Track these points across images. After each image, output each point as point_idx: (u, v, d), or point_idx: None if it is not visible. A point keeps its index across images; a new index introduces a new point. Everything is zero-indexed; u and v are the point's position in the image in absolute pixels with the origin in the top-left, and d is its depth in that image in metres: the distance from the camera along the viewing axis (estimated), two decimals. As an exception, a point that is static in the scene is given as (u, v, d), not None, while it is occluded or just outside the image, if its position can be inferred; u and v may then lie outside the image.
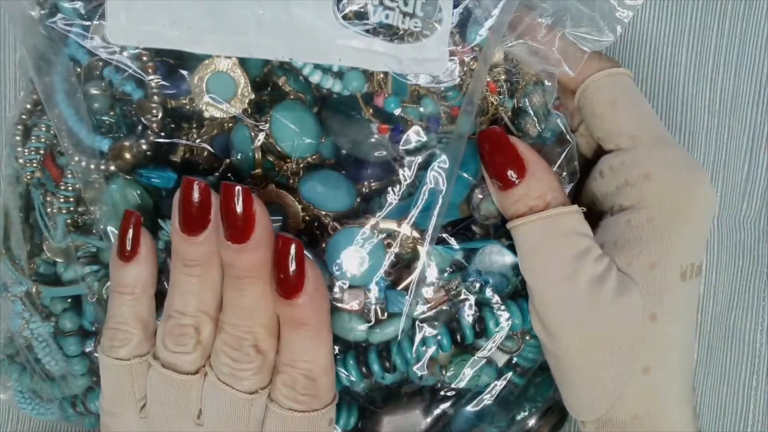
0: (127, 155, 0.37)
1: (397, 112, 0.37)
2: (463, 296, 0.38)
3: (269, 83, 0.38)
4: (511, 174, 0.36)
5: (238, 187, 0.33)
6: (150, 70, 0.37)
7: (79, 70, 0.37)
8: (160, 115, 0.37)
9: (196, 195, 0.33)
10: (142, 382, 0.36)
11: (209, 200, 0.34)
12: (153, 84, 0.37)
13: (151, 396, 0.36)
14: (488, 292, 0.38)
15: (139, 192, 0.38)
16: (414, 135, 0.37)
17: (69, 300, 0.40)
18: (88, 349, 0.40)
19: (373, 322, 0.37)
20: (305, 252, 0.34)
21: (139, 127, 0.37)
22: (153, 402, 0.36)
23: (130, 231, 0.35)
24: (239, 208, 0.33)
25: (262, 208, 0.33)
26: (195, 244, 0.34)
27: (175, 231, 0.34)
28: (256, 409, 0.35)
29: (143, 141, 0.37)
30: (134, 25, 0.35)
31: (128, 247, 0.35)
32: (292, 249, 0.33)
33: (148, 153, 0.38)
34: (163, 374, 0.35)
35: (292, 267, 0.33)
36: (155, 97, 0.37)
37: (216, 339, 0.35)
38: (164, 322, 0.35)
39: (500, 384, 0.40)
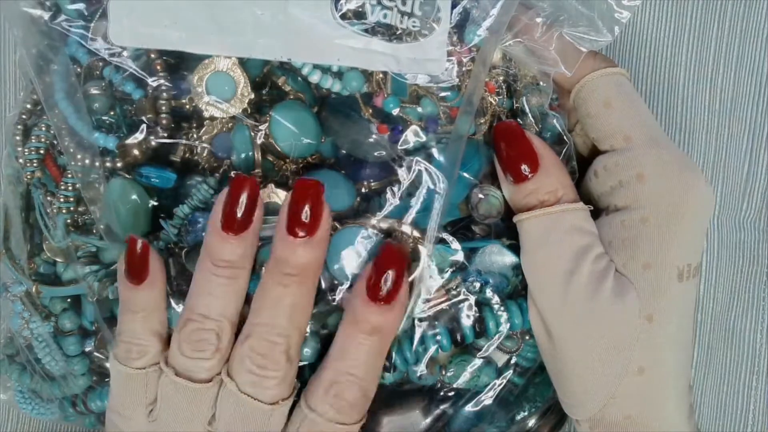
0: (136, 152, 0.37)
1: (396, 112, 0.37)
2: (463, 296, 0.38)
3: (269, 83, 0.38)
4: (525, 168, 0.36)
5: (310, 185, 0.33)
6: (158, 68, 0.37)
7: (79, 70, 0.37)
8: (167, 111, 0.37)
9: (245, 192, 0.34)
10: (153, 388, 0.36)
11: (257, 200, 0.34)
12: (161, 81, 0.37)
13: (163, 402, 0.36)
14: (488, 292, 0.38)
15: (138, 192, 0.38)
16: (413, 135, 0.37)
17: (68, 300, 0.40)
18: (87, 349, 0.40)
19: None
20: None
21: (144, 126, 0.37)
22: (164, 408, 0.36)
23: (137, 257, 0.35)
24: (309, 203, 0.33)
25: (328, 211, 0.34)
26: (232, 243, 0.34)
27: (212, 229, 0.34)
28: (275, 419, 0.35)
29: (152, 138, 0.37)
30: (136, 27, 0.35)
31: (138, 273, 0.35)
32: (396, 256, 0.34)
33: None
34: (176, 383, 0.35)
35: (392, 274, 0.34)
36: (164, 94, 0.37)
37: (241, 345, 0.35)
38: (182, 327, 0.35)
39: (500, 384, 0.39)
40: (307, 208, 0.33)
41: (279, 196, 0.37)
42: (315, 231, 0.33)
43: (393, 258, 0.34)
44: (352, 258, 0.36)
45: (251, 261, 0.35)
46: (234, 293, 0.35)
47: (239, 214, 0.34)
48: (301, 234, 0.33)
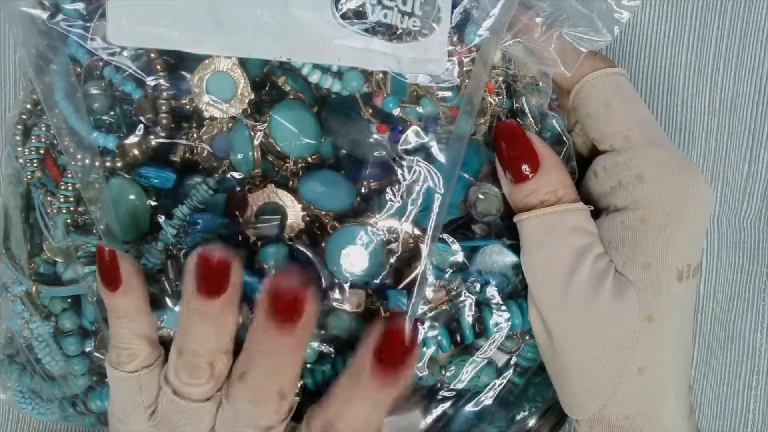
0: (136, 152, 0.37)
1: (396, 112, 0.37)
2: (463, 296, 0.38)
3: (269, 83, 0.38)
4: (525, 168, 0.37)
5: (291, 281, 0.33)
6: (158, 68, 0.37)
7: (79, 70, 0.37)
8: (167, 111, 0.37)
9: (214, 263, 0.33)
10: (150, 390, 0.36)
11: (228, 268, 0.33)
12: (160, 81, 0.37)
13: (163, 415, 0.36)
14: (489, 292, 0.38)
15: (137, 192, 0.38)
16: (413, 135, 0.37)
17: (68, 300, 0.40)
18: (88, 349, 0.40)
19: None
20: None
21: (143, 126, 0.37)
22: (164, 420, 0.36)
23: (107, 265, 0.35)
24: (290, 296, 0.33)
25: (312, 298, 0.33)
26: (214, 301, 0.33)
27: (188, 290, 0.33)
28: None
29: (152, 138, 0.37)
30: (135, 26, 0.35)
31: (111, 281, 0.35)
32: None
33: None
34: (173, 401, 0.35)
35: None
36: (164, 94, 0.37)
37: (236, 383, 0.35)
38: (176, 356, 0.35)
39: (500, 384, 0.40)
40: (286, 309, 0.32)
41: (279, 196, 0.37)
42: (295, 325, 0.33)
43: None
44: (352, 257, 0.36)
45: (237, 301, 0.34)
46: (223, 333, 0.34)
47: (212, 283, 0.33)
48: (275, 332, 0.33)
